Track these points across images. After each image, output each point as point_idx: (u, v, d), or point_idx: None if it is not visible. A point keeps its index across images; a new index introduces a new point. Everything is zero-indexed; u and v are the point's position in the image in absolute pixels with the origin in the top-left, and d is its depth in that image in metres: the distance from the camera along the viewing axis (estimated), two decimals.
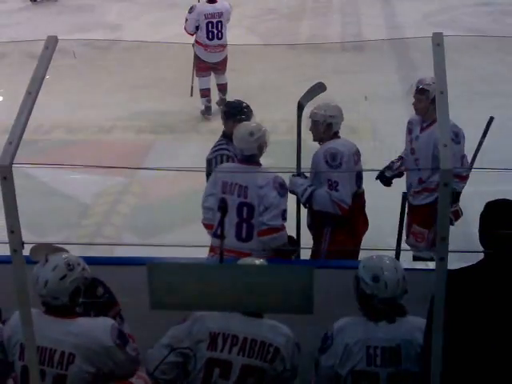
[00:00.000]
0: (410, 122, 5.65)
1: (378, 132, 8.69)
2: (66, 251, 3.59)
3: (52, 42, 3.06)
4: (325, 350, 3.46)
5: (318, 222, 5.25)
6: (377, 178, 5.76)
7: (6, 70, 11.25)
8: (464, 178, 5.37)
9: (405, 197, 4.60)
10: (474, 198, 6.28)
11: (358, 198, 5.22)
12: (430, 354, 2.69)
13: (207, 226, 5.01)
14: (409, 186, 5.60)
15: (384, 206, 5.66)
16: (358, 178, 5.23)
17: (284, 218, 4.83)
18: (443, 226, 2.59)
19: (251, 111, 5.41)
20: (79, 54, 11.45)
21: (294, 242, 5.02)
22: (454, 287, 2.78)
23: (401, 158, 5.82)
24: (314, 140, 5.26)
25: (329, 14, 14.44)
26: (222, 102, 8.96)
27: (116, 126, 9.42)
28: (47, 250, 3.53)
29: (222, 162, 5.19)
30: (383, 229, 5.66)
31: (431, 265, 4.32)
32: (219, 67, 9.45)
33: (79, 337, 3.43)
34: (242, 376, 3.41)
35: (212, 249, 4.95)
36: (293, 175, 5.16)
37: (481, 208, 3.06)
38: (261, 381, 3.43)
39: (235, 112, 5.36)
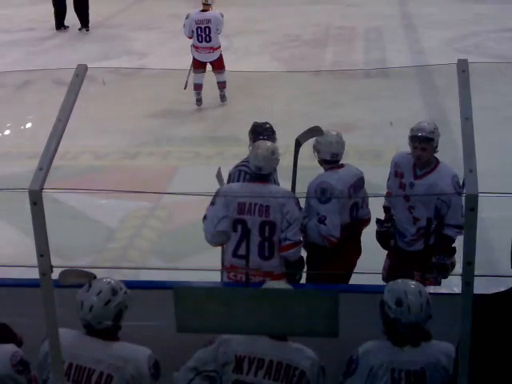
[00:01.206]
0: (397, 165, 5.20)
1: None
2: (94, 275, 3.64)
3: (82, 70, 3.14)
4: (350, 373, 3.46)
5: (310, 251, 5.29)
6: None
7: (34, 97, 11.41)
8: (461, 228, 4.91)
9: (429, 221, 4.61)
10: (497, 223, 6.31)
11: (352, 227, 5.24)
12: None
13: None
14: (401, 234, 5.24)
15: None
16: (353, 208, 5.25)
17: (302, 232, 5.01)
18: (469, 250, 2.61)
19: (275, 133, 5.50)
20: (101, 83, 11.61)
21: (302, 260, 5.12)
22: (482, 314, 2.77)
23: (388, 209, 5.44)
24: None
25: (353, 41, 14.52)
26: (223, 98, 10.85)
27: (141, 151, 9.50)
28: (76, 274, 3.58)
29: (239, 177, 5.26)
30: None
31: (457, 289, 4.32)
32: (215, 67, 10.74)
33: (119, 359, 3.49)
34: None
35: (234, 269, 4.94)
36: None
37: (504, 233, 3.06)
38: None
39: (260, 133, 5.45)
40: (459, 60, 2.97)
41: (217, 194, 4.92)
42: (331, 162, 5.17)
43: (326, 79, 11.63)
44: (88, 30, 16.10)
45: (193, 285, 4.06)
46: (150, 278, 5.12)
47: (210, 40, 10.57)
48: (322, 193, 5.06)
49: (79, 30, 16.09)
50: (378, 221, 5.37)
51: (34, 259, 2.88)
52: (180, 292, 2.90)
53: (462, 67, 2.94)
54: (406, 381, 3.36)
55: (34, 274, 3.04)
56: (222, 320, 2.94)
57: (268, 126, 5.58)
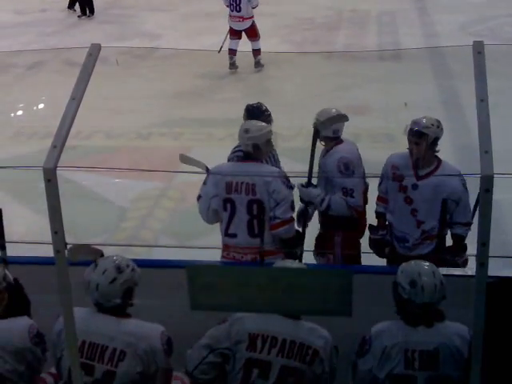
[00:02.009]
0: (394, 167, 5.00)
1: None
2: (102, 252, 3.66)
3: (95, 50, 3.14)
4: (363, 353, 3.48)
5: (330, 227, 5.34)
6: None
7: (47, 78, 11.41)
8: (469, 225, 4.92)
9: (445, 203, 4.59)
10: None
11: (364, 195, 5.32)
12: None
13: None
14: (401, 239, 5.06)
15: None
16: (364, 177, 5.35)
17: (293, 209, 4.98)
18: (484, 231, 2.61)
19: (270, 115, 5.49)
20: (114, 64, 11.60)
21: (300, 235, 5.14)
22: (497, 295, 2.77)
23: (381, 215, 5.24)
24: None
25: (365, 24, 14.45)
26: (257, 65, 11.72)
27: (154, 132, 9.52)
28: (84, 250, 3.59)
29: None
30: None
31: (470, 271, 4.32)
32: (248, 34, 11.72)
33: (132, 335, 3.52)
34: (280, 377, 3.44)
35: (226, 248, 5.01)
36: (302, 185, 5.19)
37: None
38: (300, 382, 3.45)
39: (255, 115, 5.43)
40: (475, 42, 2.95)
41: (208, 175, 4.95)
42: (334, 138, 5.20)
43: (339, 62, 11.58)
44: (90, 16, 16.06)
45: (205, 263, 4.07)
46: (162, 257, 5.16)
47: (239, 10, 11.55)
48: (345, 168, 5.11)
49: (79, 17, 16.05)
50: (372, 227, 5.23)
51: (47, 239, 2.90)
52: (193, 270, 2.91)
53: (478, 49, 2.92)
54: (420, 361, 3.37)
55: (47, 252, 3.07)
56: (236, 299, 2.95)
57: (263, 108, 5.58)
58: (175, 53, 12.04)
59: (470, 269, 4.50)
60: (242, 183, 4.86)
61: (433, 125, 4.80)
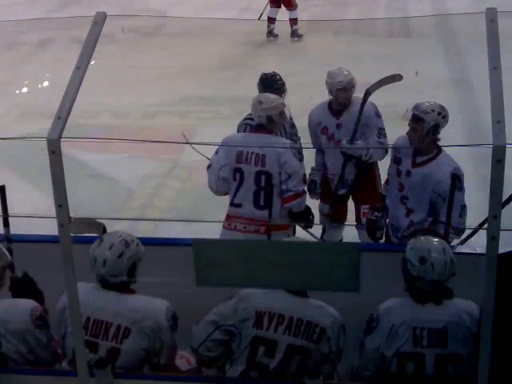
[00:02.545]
0: (397, 150, 4.89)
1: None
2: (104, 226, 3.61)
3: (101, 18, 3.07)
4: (370, 331, 3.42)
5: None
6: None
7: (53, 56, 11.34)
8: (461, 231, 4.63)
9: (454, 177, 4.48)
10: None
11: None
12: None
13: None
14: (395, 228, 4.94)
15: None
16: None
17: (305, 182, 5.04)
18: (495, 203, 2.55)
19: (284, 84, 5.49)
20: (125, 40, 11.54)
21: (309, 209, 5.15)
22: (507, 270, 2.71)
23: (383, 197, 5.15)
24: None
25: (375, 0, 14.26)
26: (293, 34, 11.85)
27: (160, 111, 9.46)
28: (85, 223, 3.54)
29: (244, 131, 5.30)
30: None
31: (479, 249, 4.26)
32: (285, 4, 11.85)
33: (137, 312, 3.48)
34: (286, 355, 3.39)
35: (228, 218, 5.04)
36: (349, 141, 5.29)
37: None
38: (305, 361, 3.40)
39: (269, 83, 5.46)
40: (488, 9, 2.88)
41: (222, 143, 4.99)
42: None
43: (348, 39, 11.47)
44: None
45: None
46: (168, 235, 5.13)
47: None
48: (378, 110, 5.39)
49: None
50: (372, 207, 5.15)
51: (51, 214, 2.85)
52: (200, 245, 2.86)
53: (491, 16, 2.85)
54: (428, 338, 3.32)
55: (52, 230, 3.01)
56: (242, 274, 2.91)
57: (277, 76, 5.56)
58: (183, 31, 11.94)
59: (480, 246, 4.44)
60: (252, 153, 4.88)
61: (433, 110, 4.59)
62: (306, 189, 5.06)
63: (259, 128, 4.94)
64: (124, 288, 3.55)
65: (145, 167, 7.86)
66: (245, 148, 4.87)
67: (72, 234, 2.96)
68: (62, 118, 2.81)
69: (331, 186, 5.65)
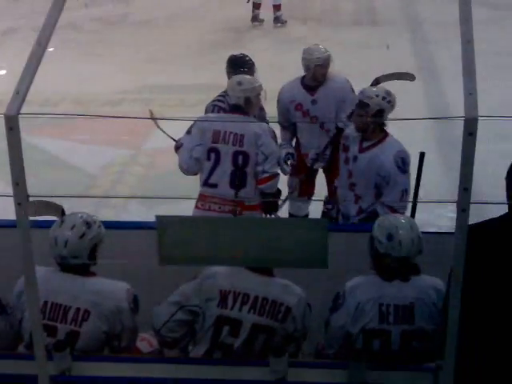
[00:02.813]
0: (345, 137, 4.87)
1: None
2: (62, 207, 3.52)
3: None
4: (336, 309, 3.38)
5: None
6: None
7: (15, 45, 11.12)
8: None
9: (422, 155, 4.42)
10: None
11: None
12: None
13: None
14: (346, 216, 4.88)
15: None
16: None
17: (278, 165, 5.05)
18: (466, 176, 2.50)
19: (254, 65, 5.48)
20: (88, 30, 11.40)
21: (279, 191, 5.18)
22: (476, 241, 2.65)
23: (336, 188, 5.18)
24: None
25: None
26: (276, 20, 11.41)
27: (124, 98, 9.33)
28: (43, 205, 3.44)
29: (212, 112, 5.31)
30: None
31: (444, 228, 4.25)
32: None
33: (96, 294, 3.40)
34: (251, 334, 3.33)
35: (203, 198, 5.00)
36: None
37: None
38: (270, 340, 3.34)
39: (240, 64, 5.46)
40: None
41: (194, 123, 4.95)
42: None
43: (314, 27, 11.41)
44: None
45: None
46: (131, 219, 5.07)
47: None
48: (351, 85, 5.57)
49: None
50: (326, 198, 5.19)
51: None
52: (164, 221, 2.76)
53: None
54: (394, 315, 3.29)
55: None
56: (207, 251, 2.82)
57: (247, 57, 5.58)
58: (147, 20, 11.83)
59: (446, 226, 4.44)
60: (230, 133, 4.86)
61: (377, 95, 4.58)
62: (278, 171, 5.07)
63: (235, 109, 4.92)
64: (84, 270, 3.46)
65: (107, 155, 7.76)
66: (223, 127, 4.86)
67: (30, 218, 2.85)
68: (20, 93, 2.69)
69: (305, 161, 5.68)
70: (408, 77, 5.12)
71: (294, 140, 5.77)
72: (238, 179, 4.85)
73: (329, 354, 3.41)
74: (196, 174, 5.05)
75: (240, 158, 4.86)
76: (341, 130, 5.38)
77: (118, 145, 7.87)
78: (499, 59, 9.29)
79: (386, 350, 3.29)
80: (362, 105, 4.59)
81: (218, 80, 8.54)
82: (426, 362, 3.16)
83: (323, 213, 5.14)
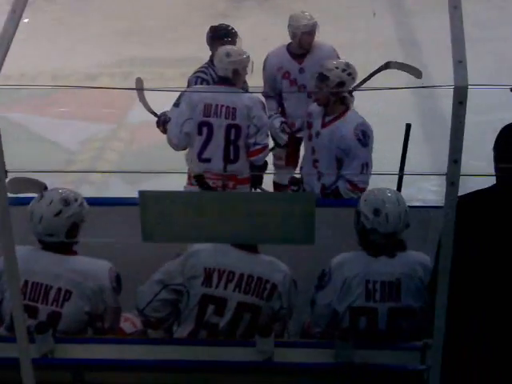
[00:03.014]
0: (309, 114, 4.77)
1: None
2: (45, 185, 3.43)
3: None
4: (322, 286, 3.32)
5: None
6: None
7: None
8: (359, 189, 4.46)
9: (408, 127, 4.36)
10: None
11: None
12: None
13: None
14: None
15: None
16: None
17: (272, 135, 5.14)
18: (456, 147, 2.42)
19: (237, 35, 5.39)
20: (63, 2, 11.19)
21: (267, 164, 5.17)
22: (464, 214, 2.59)
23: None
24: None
25: None
26: None
27: (102, 72, 9.20)
28: (25, 182, 3.36)
29: (196, 84, 5.24)
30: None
31: (429, 202, 4.21)
32: None
33: (78, 274, 3.32)
34: (237, 313, 3.27)
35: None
36: None
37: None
38: (256, 318, 3.29)
39: (222, 34, 5.35)
40: None
41: (180, 96, 4.83)
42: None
43: None
44: None
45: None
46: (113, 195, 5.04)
47: None
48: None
49: None
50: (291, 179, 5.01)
51: None
52: (147, 196, 2.67)
53: None
54: (381, 291, 3.24)
55: None
56: (192, 228, 2.73)
57: (229, 27, 5.48)
58: None
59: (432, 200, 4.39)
60: (222, 106, 4.79)
61: (337, 68, 4.52)
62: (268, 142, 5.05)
63: (223, 81, 4.86)
64: (64, 249, 3.38)
65: (86, 130, 7.63)
66: (214, 100, 4.78)
67: (10, 195, 2.76)
68: None
69: (292, 129, 5.61)
70: (416, 73, 5.15)
71: (279, 109, 5.72)
72: (232, 153, 4.81)
73: (315, 333, 3.36)
74: (185, 149, 4.97)
75: (233, 132, 4.79)
76: None
77: (97, 119, 7.77)
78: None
79: (373, 328, 3.24)
80: (321, 77, 4.53)
81: (197, 53, 8.49)
82: (413, 341, 3.12)
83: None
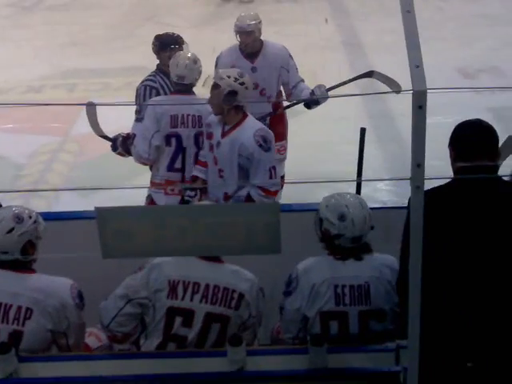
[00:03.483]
0: (208, 125, 4.69)
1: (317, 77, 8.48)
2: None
3: None
4: (290, 292, 3.29)
5: None
6: None
7: None
8: (272, 194, 4.54)
9: (363, 131, 4.38)
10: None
11: None
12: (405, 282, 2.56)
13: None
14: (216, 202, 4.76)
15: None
16: None
17: None
18: (418, 151, 2.45)
19: (183, 41, 5.40)
20: (2, 15, 11.04)
21: None
22: (429, 205, 2.61)
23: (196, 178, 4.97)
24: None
25: None
26: None
27: (46, 84, 9.08)
28: None
29: (145, 93, 5.22)
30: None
31: (389, 203, 4.23)
32: None
33: (38, 291, 3.25)
34: (205, 324, 3.25)
35: (169, 183, 4.91)
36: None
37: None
38: (226, 328, 3.26)
39: (170, 42, 5.34)
40: None
41: (141, 110, 4.85)
42: None
43: (235, 5, 11.28)
44: None
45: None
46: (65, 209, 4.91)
47: None
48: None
49: None
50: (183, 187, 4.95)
51: None
52: (104, 213, 2.62)
53: None
54: (350, 296, 3.23)
55: None
56: (153, 242, 2.68)
57: (175, 35, 5.47)
58: (64, 4, 11.50)
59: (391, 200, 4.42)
60: (188, 115, 4.83)
61: (229, 77, 4.45)
62: None
63: (185, 90, 4.89)
64: (22, 267, 3.30)
65: (33, 143, 7.53)
66: (179, 111, 4.80)
67: None
68: None
69: None
70: (396, 88, 5.13)
71: None
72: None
73: (287, 340, 3.33)
74: (154, 162, 4.96)
75: (201, 139, 4.82)
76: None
77: (43, 132, 7.68)
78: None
79: (345, 331, 3.24)
80: (214, 86, 4.49)
81: (141, 62, 8.46)
82: (386, 342, 3.12)
83: (184, 201, 4.84)
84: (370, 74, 5.48)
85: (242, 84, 4.44)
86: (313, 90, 5.49)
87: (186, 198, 4.81)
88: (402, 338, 2.68)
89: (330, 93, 5.45)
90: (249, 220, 2.62)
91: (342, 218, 3.25)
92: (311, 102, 5.54)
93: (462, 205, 2.82)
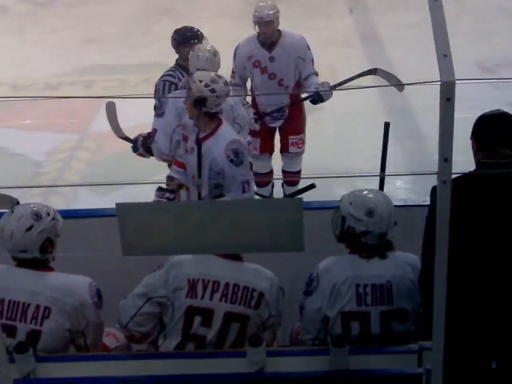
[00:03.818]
0: (183, 126, 4.51)
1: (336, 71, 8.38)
2: (17, 200, 3.33)
3: None
4: (310, 292, 3.23)
5: None
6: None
7: None
8: None
9: (387, 126, 4.30)
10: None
11: None
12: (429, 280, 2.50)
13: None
14: None
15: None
16: None
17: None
18: (446, 145, 2.37)
19: (203, 36, 5.37)
20: (19, 12, 11.02)
21: None
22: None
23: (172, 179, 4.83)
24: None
25: None
26: None
27: (64, 81, 9.06)
28: None
29: (163, 89, 5.21)
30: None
31: (410, 201, 4.17)
32: None
33: (56, 290, 3.21)
34: (225, 324, 3.19)
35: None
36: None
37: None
38: (245, 328, 3.21)
39: (190, 37, 5.32)
40: None
41: (161, 105, 4.78)
42: None
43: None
44: None
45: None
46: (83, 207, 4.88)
47: None
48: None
49: None
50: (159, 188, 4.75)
51: None
52: (125, 208, 2.57)
53: None
54: (372, 295, 3.16)
55: None
56: (173, 239, 2.64)
57: (195, 29, 5.45)
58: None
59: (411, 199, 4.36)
60: None
61: (201, 81, 4.19)
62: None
63: None
64: (40, 265, 3.28)
65: (51, 140, 7.50)
66: None
67: None
68: None
69: (264, 119, 5.69)
70: (399, 86, 5.23)
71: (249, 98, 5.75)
72: None
73: (307, 340, 3.27)
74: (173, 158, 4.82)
75: None
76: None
77: (61, 130, 7.64)
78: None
79: (366, 332, 3.17)
80: (188, 88, 4.27)
81: (158, 58, 8.42)
82: (408, 344, 3.05)
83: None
84: (374, 72, 5.49)
85: (212, 91, 4.16)
86: (317, 88, 5.49)
87: (165, 199, 4.65)
88: (425, 339, 2.61)
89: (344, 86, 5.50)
90: (271, 216, 2.55)
91: (370, 213, 3.18)
92: (316, 98, 5.55)
93: (486, 196, 2.79)
